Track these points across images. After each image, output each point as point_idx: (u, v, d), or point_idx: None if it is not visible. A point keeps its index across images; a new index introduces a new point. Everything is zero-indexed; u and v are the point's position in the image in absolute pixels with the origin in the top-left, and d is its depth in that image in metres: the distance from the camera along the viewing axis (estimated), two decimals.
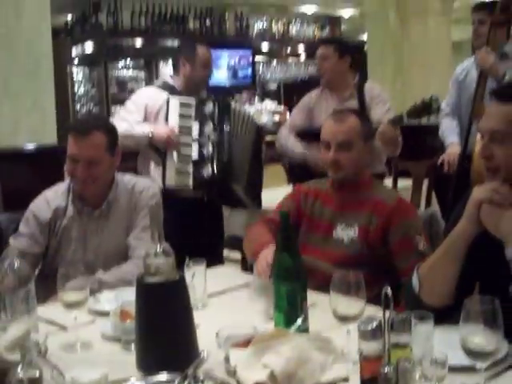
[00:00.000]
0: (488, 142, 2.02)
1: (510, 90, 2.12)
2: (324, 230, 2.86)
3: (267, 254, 2.51)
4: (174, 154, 4.12)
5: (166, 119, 4.15)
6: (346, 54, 4.61)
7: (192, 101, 4.20)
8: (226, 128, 4.23)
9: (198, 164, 4.14)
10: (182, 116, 4.16)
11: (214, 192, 4.26)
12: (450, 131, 4.71)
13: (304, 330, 2.02)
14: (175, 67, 4.45)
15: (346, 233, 2.77)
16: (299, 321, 2.01)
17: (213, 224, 4.47)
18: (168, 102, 4.16)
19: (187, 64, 4.30)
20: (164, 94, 4.24)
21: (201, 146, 4.15)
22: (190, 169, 4.13)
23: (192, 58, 4.30)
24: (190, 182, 4.13)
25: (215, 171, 4.15)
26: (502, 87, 2.41)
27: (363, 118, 2.87)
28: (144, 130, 4.09)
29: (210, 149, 4.16)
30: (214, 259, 2.90)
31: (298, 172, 4.65)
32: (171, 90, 4.30)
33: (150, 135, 4.08)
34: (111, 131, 3.06)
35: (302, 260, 2.12)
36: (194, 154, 4.14)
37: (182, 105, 4.18)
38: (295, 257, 2.10)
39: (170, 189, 4.04)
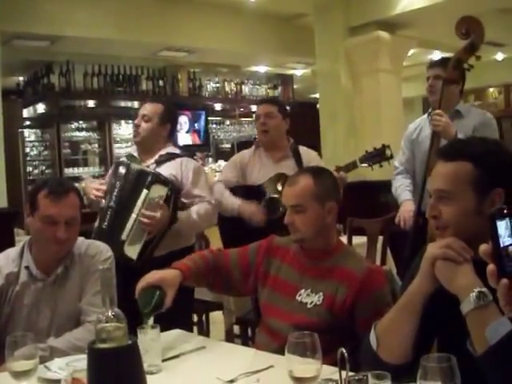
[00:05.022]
0: (435, 202, 2.04)
1: (453, 147, 2.14)
2: (289, 292, 2.81)
3: None
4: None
5: None
6: (287, 117, 4.71)
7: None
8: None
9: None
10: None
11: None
12: (402, 189, 4.72)
13: None
14: None
15: (310, 298, 2.71)
16: None
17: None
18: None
19: None
20: None
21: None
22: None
23: None
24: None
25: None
26: (445, 146, 2.43)
27: (319, 177, 2.84)
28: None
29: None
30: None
31: (229, 228, 4.63)
32: None
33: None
34: (80, 193, 3.05)
35: None
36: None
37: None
38: None
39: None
